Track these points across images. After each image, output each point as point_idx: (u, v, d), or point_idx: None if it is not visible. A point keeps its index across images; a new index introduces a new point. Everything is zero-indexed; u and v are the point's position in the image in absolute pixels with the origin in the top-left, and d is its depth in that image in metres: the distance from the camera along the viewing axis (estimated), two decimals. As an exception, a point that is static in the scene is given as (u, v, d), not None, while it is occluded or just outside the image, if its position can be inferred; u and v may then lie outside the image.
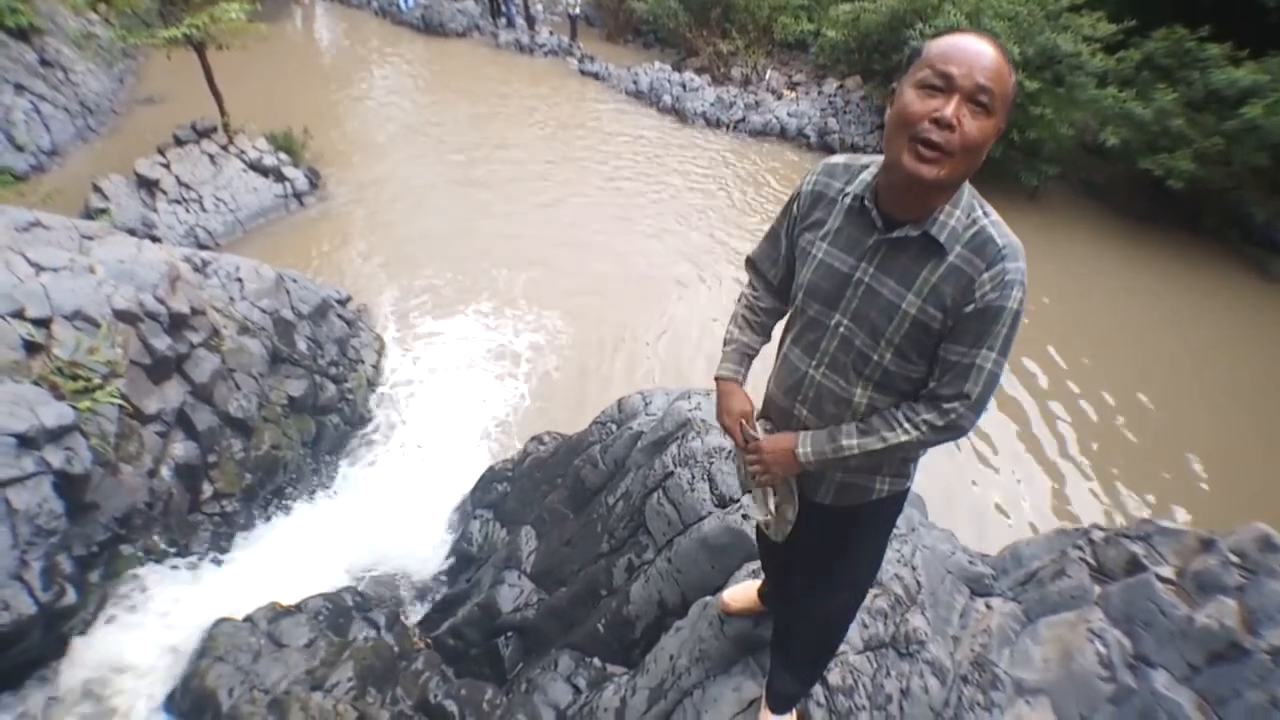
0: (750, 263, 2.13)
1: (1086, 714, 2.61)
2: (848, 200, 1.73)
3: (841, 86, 17.44)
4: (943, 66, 1.45)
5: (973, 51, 1.44)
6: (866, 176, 1.72)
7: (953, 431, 1.69)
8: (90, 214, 9.59)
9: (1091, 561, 3.12)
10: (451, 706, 3.96)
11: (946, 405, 1.66)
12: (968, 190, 1.62)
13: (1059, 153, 13.70)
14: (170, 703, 4.41)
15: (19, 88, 12.18)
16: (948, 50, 1.46)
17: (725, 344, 2.15)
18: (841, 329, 1.74)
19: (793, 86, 18.53)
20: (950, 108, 1.44)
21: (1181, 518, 7.13)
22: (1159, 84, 12.67)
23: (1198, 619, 2.60)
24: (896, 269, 1.65)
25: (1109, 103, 12.84)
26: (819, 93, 17.67)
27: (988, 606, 3.16)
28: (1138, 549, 3.01)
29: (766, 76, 18.79)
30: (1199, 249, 12.52)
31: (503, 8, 22.12)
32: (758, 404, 2.08)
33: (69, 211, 8.17)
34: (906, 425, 1.70)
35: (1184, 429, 8.41)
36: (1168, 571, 2.85)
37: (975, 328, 1.59)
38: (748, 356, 2.13)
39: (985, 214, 1.61)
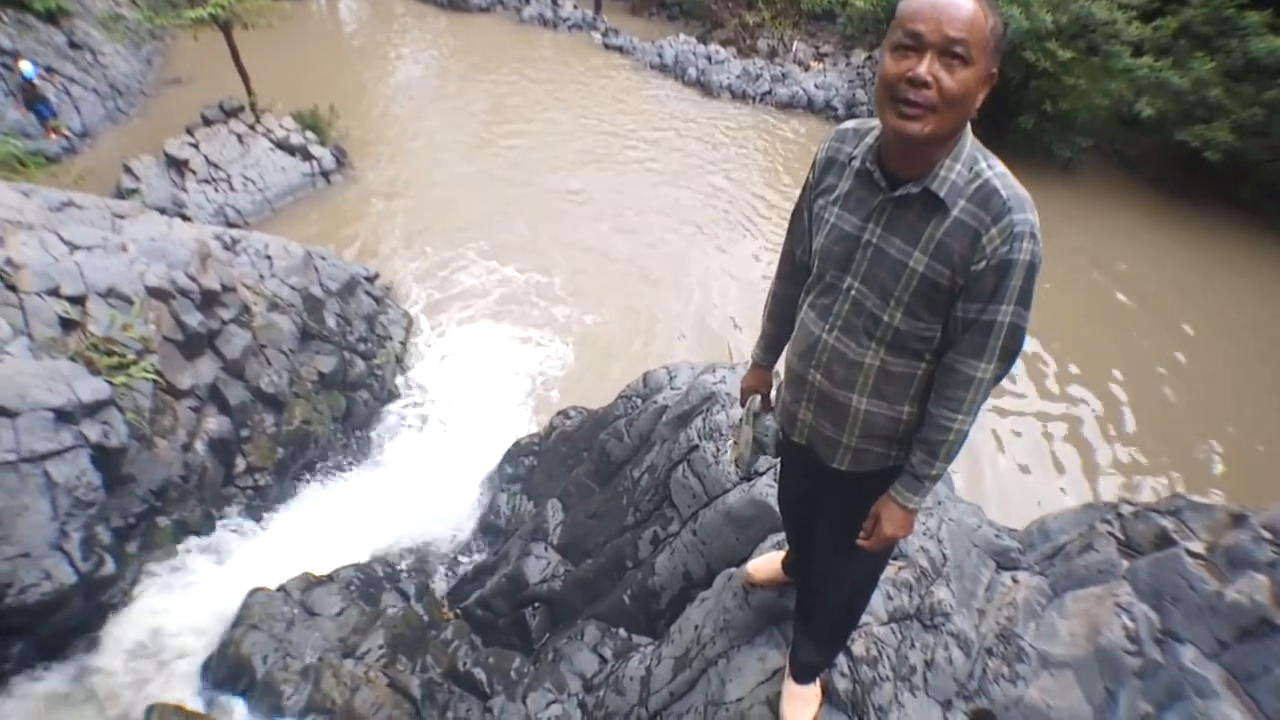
0: (782, 255, 2.13)
1: (1112, 688, 2.59)
2: (855, 164, 1.73)
3: (870, 58, 17.17)
4: (911, 25, 1.44)
5: (941, 5, 1.42)
6: (870, 140, 1.71)
7: (991, 384, 1.70)
8: (121, 194, 9.71)
9: (1120, 536, 3.09)
10: (480, 675, 4.03)
11: (972, 371, 1.66)
12: (969, 142, 1.59)
13: (1093, 124, 13.42)
14: (206, 670, 4.54)
15: (49, 70, 12.34)
16: (916, 8, 1.45)
17: (760, 333, 2.31)
18: (853, 291, 1.75)
19: (820, 58, 18.28)
20: (923, 66, 1.43)
21: (1213, 492, 7.03)
22: (1196, 53, 12.35)
23: (1227, 594, 2.57)
24: (902, 227, 1.64)
25: (1144, 72, 12.52)
26: (847, 64, 17.42)
27: (1014, 580, 3.14)
28: (1167, 523, 2.97)
29: (793, 48, 18.55)
30: (1236, 222, 12.25)
31: None
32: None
33: (101, 192, 8.30)
34: (953, 414, 1.71)
35: (1218, 403, 8.28)
36: (1198, 546, 2.81)
37: (989, 284, 1.57)
38: (775, 343, 2.25)
39: (989, 166, 1.58)
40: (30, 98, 11.42)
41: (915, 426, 1.82)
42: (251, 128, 11.58)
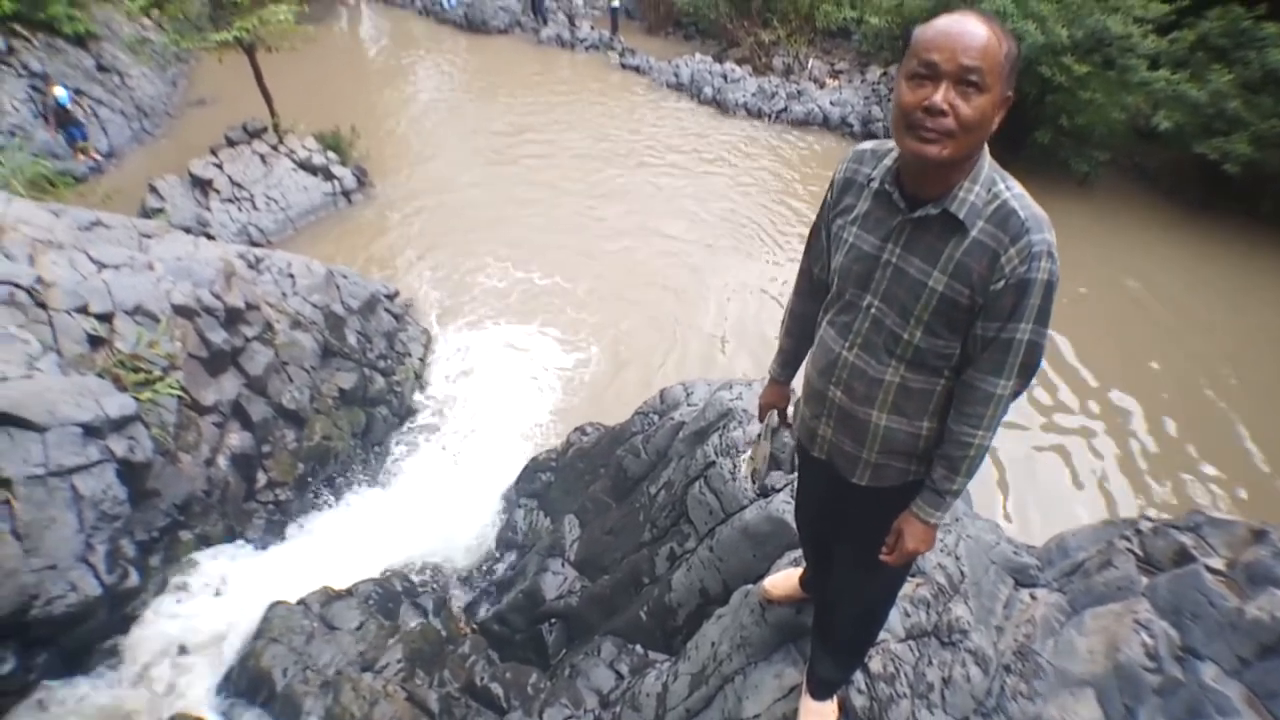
0: (800, 273, 2.16)
1: (1132, 705, 2.57)
2: (874, 185, 1.76)
3: (885, 74, 17.21)
4: (926, 55, 1.47)
5: (954, 34, 1.45)
6: (889, 161, 1.74)
7: (1010, 401, 1.73)
8: (147, 213, 9.89)
9: (1139, 552, 3.07)
10: (497, 690, 4.05)
11: (991, 388, 1.69)
12: (988, 164, 1.62)
13: (1110, 138, 13.36)
14: (227, 682, 4.58)
15: (78, 92, 12.60)
16: (930, 38, 1.48)
17: (778, 349, 2.35)
18: (873, 310, 1.77)
19: (835, 75, 18.34)
20: (939, 95, 1.46)
21: (1234, 509, 6.94)
22: (1214, 65, 12.27)
23: (1248, 611, 2.55)
24: (921, 248, 1.67)
25: (1161, 85, 12.43)
26: (862, 80, 17.47)
27: (1032, 597, 3.13)
28: (1186, 540, 2.95)
29: (809, 65, 18.63)
30: (1256, 236, 12.11)
31: (539, 5, 22.11)
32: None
33: (127, 211, 8.44)
34: (973, 431, 1.74)
35: (1239, 419, 8.18)
36: (1217, 563, 2.80)
37: (1008, 303, 1.60)
38: (793, 359, 2.30)
39: (1007, 187, 1.61)
40: (62, 121, 11.69)
41: (934, 442, 1.84)
42: (274, 148, 11.75)
